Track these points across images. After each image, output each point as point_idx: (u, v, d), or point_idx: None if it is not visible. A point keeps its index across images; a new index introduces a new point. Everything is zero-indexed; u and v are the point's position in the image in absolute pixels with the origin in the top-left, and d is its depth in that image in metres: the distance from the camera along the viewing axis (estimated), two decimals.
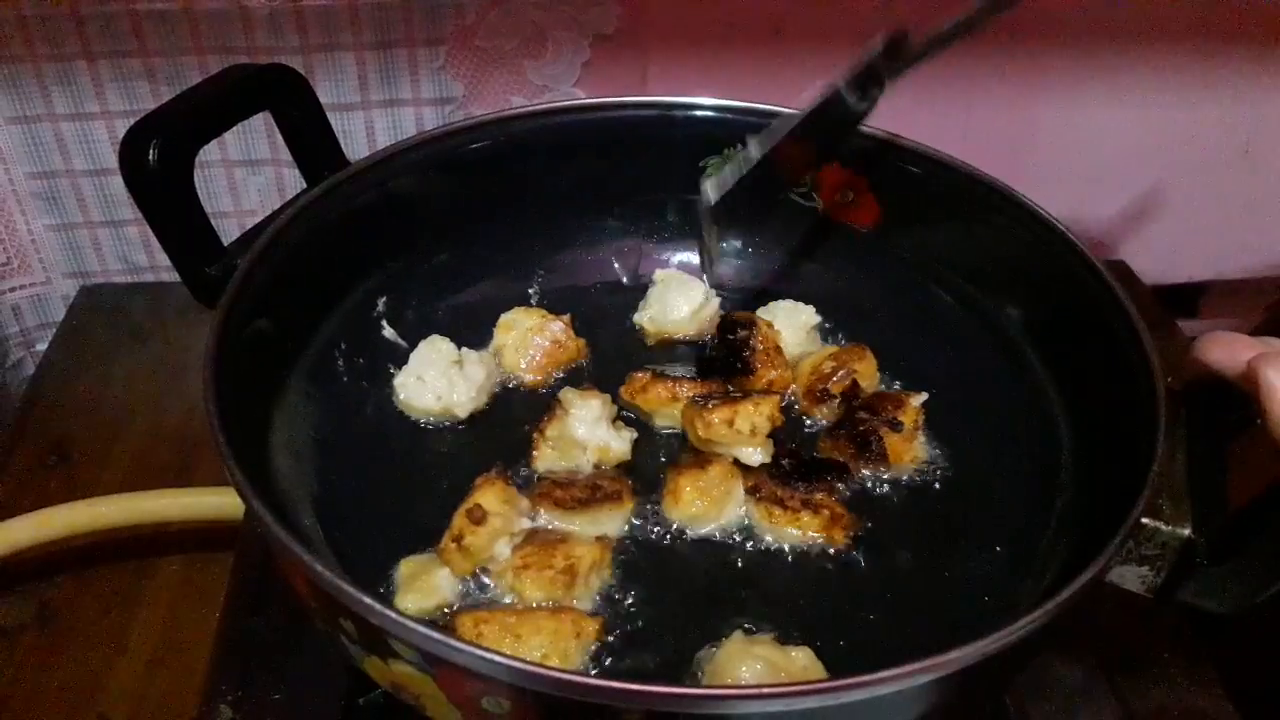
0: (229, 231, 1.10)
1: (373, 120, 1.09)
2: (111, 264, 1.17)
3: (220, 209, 1.12)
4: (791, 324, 0.86)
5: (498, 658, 0.50)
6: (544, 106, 0.89)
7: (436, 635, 0.51)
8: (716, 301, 0.89)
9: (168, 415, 1.02)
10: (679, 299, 0.88)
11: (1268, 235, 1.30)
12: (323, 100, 1.03)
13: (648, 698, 0.50)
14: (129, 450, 0.98)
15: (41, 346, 1.17)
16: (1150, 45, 1.14)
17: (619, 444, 0.75)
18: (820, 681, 0.59)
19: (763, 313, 0.87)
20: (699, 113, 0.89)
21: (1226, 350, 0.64)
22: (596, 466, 0.75)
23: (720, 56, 1.10)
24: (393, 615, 0.52)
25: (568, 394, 0.77)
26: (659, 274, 0.91)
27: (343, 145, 1.04)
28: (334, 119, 1.04)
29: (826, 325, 0.89)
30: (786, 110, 0.83)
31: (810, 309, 0.88)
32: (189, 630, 0.83)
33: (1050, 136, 1.20)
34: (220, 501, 0.87)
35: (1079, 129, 1.20)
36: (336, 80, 1.05)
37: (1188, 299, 1.38)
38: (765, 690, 0.52)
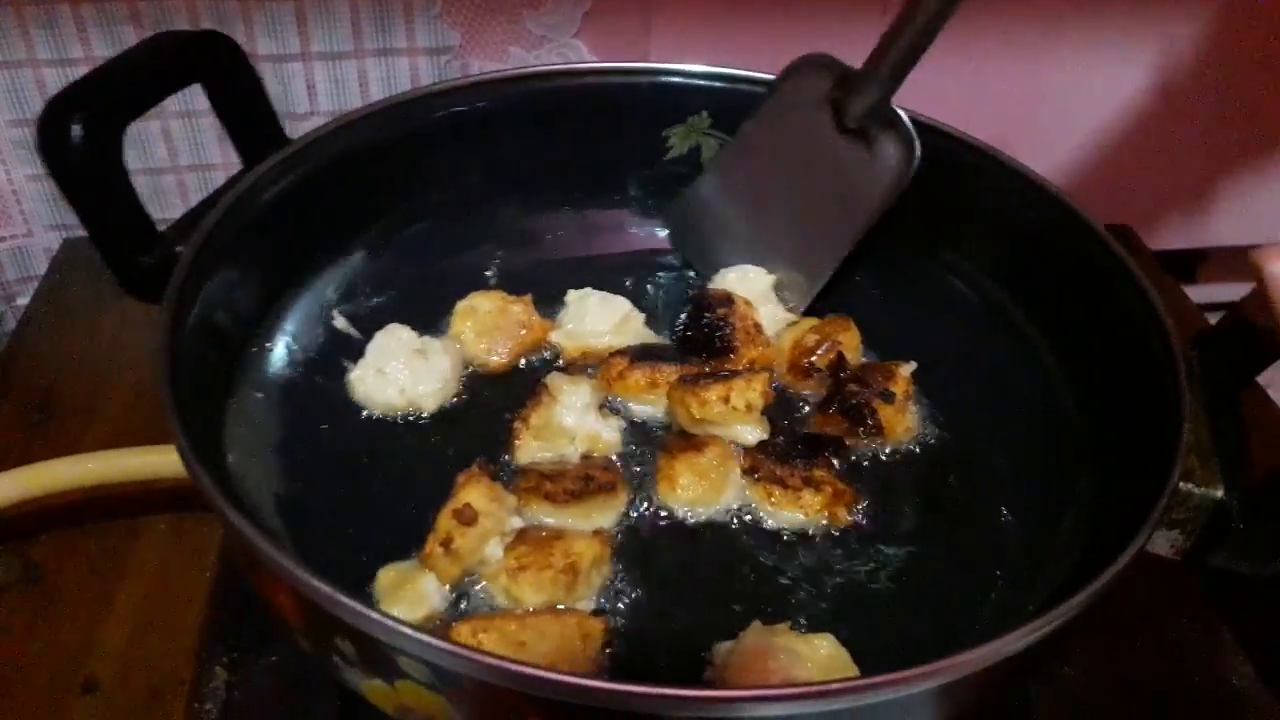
0: (192, 187, 1.08)
1: (366, 69, 1.04)
2: None
3: (181, 164, 1.08)
4: (747, 291, 0.83)
5: (530, 670, 0.46)
6: (493, 76, 0.85)
7: (461, 651, 0.47)
8: (641, 316, 0.83)
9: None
10: (598, 315, 0.81)
11: (1271, 202, 1.29)
12: (315, 48, 1.01)
13: (710, 702, 0.47)
14: (115, 407, 0.95)
15: (23, 301, 1.13)
16: (1156, 11, 1.12)
17: (610, 432, 0.72)
18: (860, 679, 0.55)
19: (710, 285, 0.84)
20: (674, 79, 0.86)
21: None
22: (585, 457, 0.71)
23: (724, 4, 1.05)
24: (409, 631, 0.47)
25: (555, 379, 0.73)
26: (571, 294, 0.83)
27: (335, 95, 1.03)
28: (326, 67, 1.02)
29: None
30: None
31: (760, 270, 0.85)
32: (178, 591, 0.80)
33: (1055, 100, 1.18)
34: None
35: (1083, 93, 1.18)
36: (330, 27, 1.01)
37: (1186, 265, 1.37)
38: (817, 688, 0.48)
